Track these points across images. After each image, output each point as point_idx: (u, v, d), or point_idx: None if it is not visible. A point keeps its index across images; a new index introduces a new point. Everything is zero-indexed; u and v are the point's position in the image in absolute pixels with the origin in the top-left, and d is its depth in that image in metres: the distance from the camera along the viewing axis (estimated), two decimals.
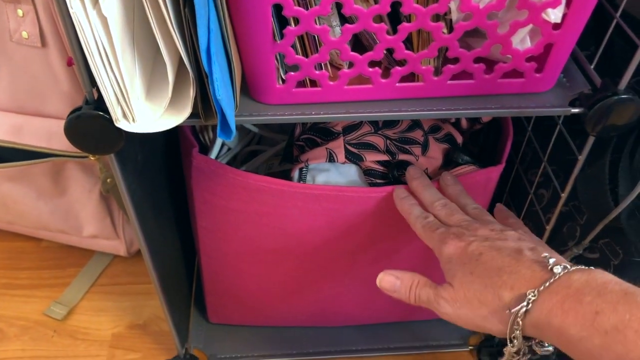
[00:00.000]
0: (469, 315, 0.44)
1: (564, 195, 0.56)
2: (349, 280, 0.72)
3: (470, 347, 0.79)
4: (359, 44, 0.51)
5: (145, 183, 0.60)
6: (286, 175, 0.64)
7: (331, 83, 0.47)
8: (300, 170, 0.62)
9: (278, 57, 0.46)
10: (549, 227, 0.60)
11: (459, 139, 0.66)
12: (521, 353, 0.42)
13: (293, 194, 0.58)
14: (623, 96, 0.46)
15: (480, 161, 0.63)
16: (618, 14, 0.47)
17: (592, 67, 0.50)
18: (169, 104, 0.44)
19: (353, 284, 0.73)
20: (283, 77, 0.47)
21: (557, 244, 0.63)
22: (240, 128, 0.78)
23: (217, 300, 0.78)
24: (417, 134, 0.63)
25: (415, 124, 0.63)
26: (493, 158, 0.63)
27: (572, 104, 0.49)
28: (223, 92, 0.40)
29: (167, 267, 0.70)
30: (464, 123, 0.68)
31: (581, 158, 0.53)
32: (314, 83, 0.48)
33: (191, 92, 0.43)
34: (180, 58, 0.43)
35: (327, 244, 0.65)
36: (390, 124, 0.63)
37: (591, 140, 0.51)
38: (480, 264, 0.44)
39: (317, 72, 0.47)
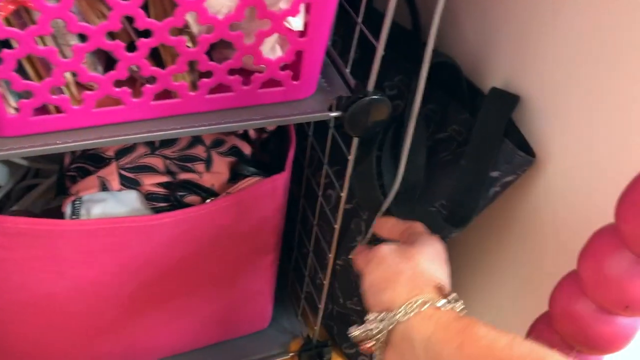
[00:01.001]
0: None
1: (343, 195, 0.58)
2: (154, 312, 0.67)
3: (291, 354, 0.79)
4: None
5: None
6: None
7: (75, 107, 0.43)
8: (73, 203, 0.56)
9: (3, 83, 0.40)
10: (337, 226, 0.62)
11: (247, 149, 0.65)
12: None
13: (63, 232, 0.53)
14: (374, 97, 0.48)
15: (270, 170, 0.63)
16: (360, 19, 0.49)
17: (348, 70, 0.53)
18: None
19: (160, 315, 0.69)
20: (14, 105, 0.42)
21: (348, 240, 0.66)
22: (7, 162, 0.69)
23: None
24: (199, 150, 0.61)
25: (196, 140, 0.61)
26: (283, 165, 0.64)
27: (335, 108, 0.50)
28: None
29: None
30: (252, 133, 0.67)
31: (351, 158, 0.55)
32: (59, 109, 0.43)
33: None
34: None
35: (118, 279, 0.60)
36: (168, 142, 0.60)
37: (356, 140, 0.53)
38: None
39: (55, 97, 0.42)
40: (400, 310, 0.39)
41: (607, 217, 0.35)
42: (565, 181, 0.51)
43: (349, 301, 0.71)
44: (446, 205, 0.56)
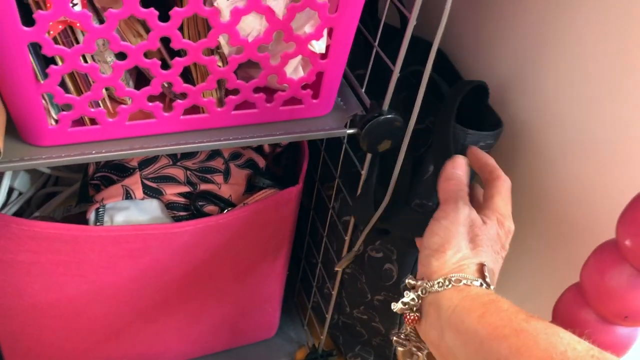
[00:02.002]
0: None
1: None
2: (168, 317, 0.70)
3: None
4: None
5: None
6: (84, 218, 0.60)
7: (110, 120, 0.46)
8: (97, 211, 0.58)
9: (46, 97, 0.43)
10: (347, 237, 0.65)
11: (262, 163, 0.68)
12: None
13: (88, 238, 0.55)
14: (388, 116, 0.51)
15: (284, 182, 0.66)
16: (376, 42, 0.53)
17: (363, 90, 0.56)
18: None
19: (173, 321, 0.71)
20: (55, 117, 0.44)
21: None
22: (29, 170, 0.71)
23: None
24: (218, 162, 0.63)
25: (215, 152, 0.64)
26: (295, 178, 0.66)
27: (349, 126, 0.53)
28: None
29: None
30: (266, 147, 0.70)
31: (364, 172, 0.58)
32: (94, 121, 0.46)
33: None
34: None
35: (137, 284, 0.62)
36: (189, 154, 0.62)
37: (369, 156, 0.56)
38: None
39: (92, 110, 0.45)
40: (437, 281, 0.41)
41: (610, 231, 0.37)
42: (571, 188, 0.52)
43: (355, 310, 0.73)
44: (419, 203, 0.58)
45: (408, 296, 0.43)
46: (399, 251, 0.61)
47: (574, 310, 0.39)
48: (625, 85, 0.45)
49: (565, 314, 0.40)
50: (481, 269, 0.42)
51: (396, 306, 0.43)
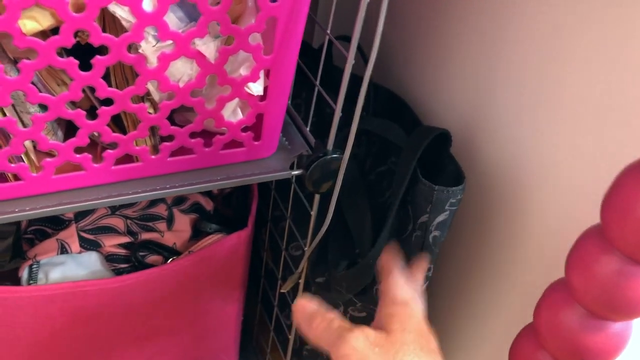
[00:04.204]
0: None
1: (307, 249, 0.58)
2: None
3: None
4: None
5: None
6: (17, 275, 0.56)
7: (35, 174, 0.43)
8: (30, 268, 0.55)
9: None
10: (301, 280, 0.62)
11: (209, 205, 0.65)
12: None
13: (18, 299, 0.51)
14: (334, 155, 0.50)
15: (234, 225, 0.63)
16: (317, 81, 0.51)
17: (307, 128, 0.54)
18: None
19: None
20: None
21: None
22: None
23: None
24: (161, 209, 0.60)
25: (158, 198, 0.61)
26: (246, 219, 0.64)
27: (296, 165, 0.52)
28: None
29: None
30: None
31: (313, 213, 0.56)
32: (17, 176, 0.43)
33: None
34: None
35: (77, 343, 0.58)
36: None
37: (318, 197, 0.54)
38: None
39: (13, 165, 0.42)
40: None
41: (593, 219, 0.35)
42: (547, 191, 0.51)
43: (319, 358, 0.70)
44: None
45: None
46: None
47: (530, 354, 0.38)
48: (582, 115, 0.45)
49: (548, 315, 0.37)
50: None
51: None
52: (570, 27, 0.45)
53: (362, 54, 0.53)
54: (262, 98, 0.47)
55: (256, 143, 0.50)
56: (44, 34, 0.37)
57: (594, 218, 0.34)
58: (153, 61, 0.39)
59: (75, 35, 0.36)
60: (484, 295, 0.59)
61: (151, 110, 0.43)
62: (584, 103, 0.45)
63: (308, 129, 0.54)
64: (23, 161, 0.43)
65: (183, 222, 0.61)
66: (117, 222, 0.58)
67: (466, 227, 0.61)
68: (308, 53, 0.61)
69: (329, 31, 0.49)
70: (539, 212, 0.51)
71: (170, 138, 0.46)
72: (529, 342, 0.38)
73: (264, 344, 0.80)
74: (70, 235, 0.55)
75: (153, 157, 0.46)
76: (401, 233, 0.55)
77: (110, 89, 0.40)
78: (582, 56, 0.44)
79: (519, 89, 0.51)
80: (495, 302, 0.58)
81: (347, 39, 0.44)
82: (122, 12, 0.36)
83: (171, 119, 0.47)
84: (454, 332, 0.65)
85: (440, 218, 0.52)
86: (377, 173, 0.60)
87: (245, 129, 0.49)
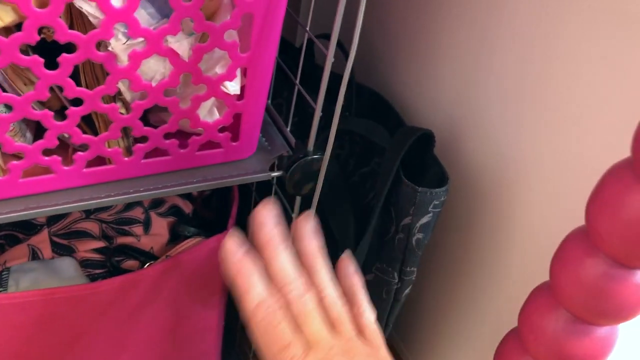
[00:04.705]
0: None
1: None
2: None
3: None
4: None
5: None
6: None
7: (0, 178, 0.41)
8: (0, 274, 0.52)
9: None
10: None
11: (188, 208, 0.64)
12: None
13: None
14: (315, 156, 0.49)
15: (214, 227, 0.62)
16: (297, 80, 0.50)
17: (288, 128, 0.53)
18: None
19: None
20: None
21: None
22: None
23: None
24: (137, 212, 0.59)
25: (134, 201, 0.59)
26: (226, 222, 0.62)
27: (277, 166, 0.50)
28: None
29: None
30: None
31: (294, 216, 0.54)
32: None
33: None
34: None
35: (51, 352, 0.56)
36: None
37: (299, 199, 0.53)
38: None
39: None
40: None
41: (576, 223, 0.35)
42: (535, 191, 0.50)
43: None
44: (380, 268, 0.54)
45: None
46: None
47: (514, 359, 0.37)
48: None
49: (533, 319, 0.36)
50: None
51: None
52: (554, 29, 0.44)
53: (345, 53, 0.52)
54: (240, 97, 0.45)
55: (234, 144, 0.48)
56: (7, 31, 0.35)
57: (579, 218, 0.33)
58: (124, 59, 0.38)
59: (40, 32, 0.34)
60: (468, 298, 0.58)
61: (123, 111, 0.42)
62: (568, 104, 0.45)
63: (289, 129, 0.53)
64: None
65: (160, 226, 0.59)
66: (92, 227, 0.56)
67: (450, 229, 0.60)
68: (289, 52, 0.59)
69: (308, 29, 0.48)
70: (523, 213, 0.51)
71: (144, 139, 0.44)
72: (513, 347, 0.37)
73: (247, 350, 0.79)
74: (42, 241, 0.53)
75: (126, 159, 0.45)
76: (384, 235, 0.54)
77: (79, 88, 0.38)
78: (566, 57, 0.44)
79: (503, 90, 0.51)
80: (480, 306, 0.57)
81: (329, 38, 0.43)
82: (89, 8, 0.35)
83: (145, 120, 0.45)
84: (437, 336, 0.64)
85: (423, 220, 0.51)
86: (360, 174, 0.59)
87: (222, 129, 0.47)
